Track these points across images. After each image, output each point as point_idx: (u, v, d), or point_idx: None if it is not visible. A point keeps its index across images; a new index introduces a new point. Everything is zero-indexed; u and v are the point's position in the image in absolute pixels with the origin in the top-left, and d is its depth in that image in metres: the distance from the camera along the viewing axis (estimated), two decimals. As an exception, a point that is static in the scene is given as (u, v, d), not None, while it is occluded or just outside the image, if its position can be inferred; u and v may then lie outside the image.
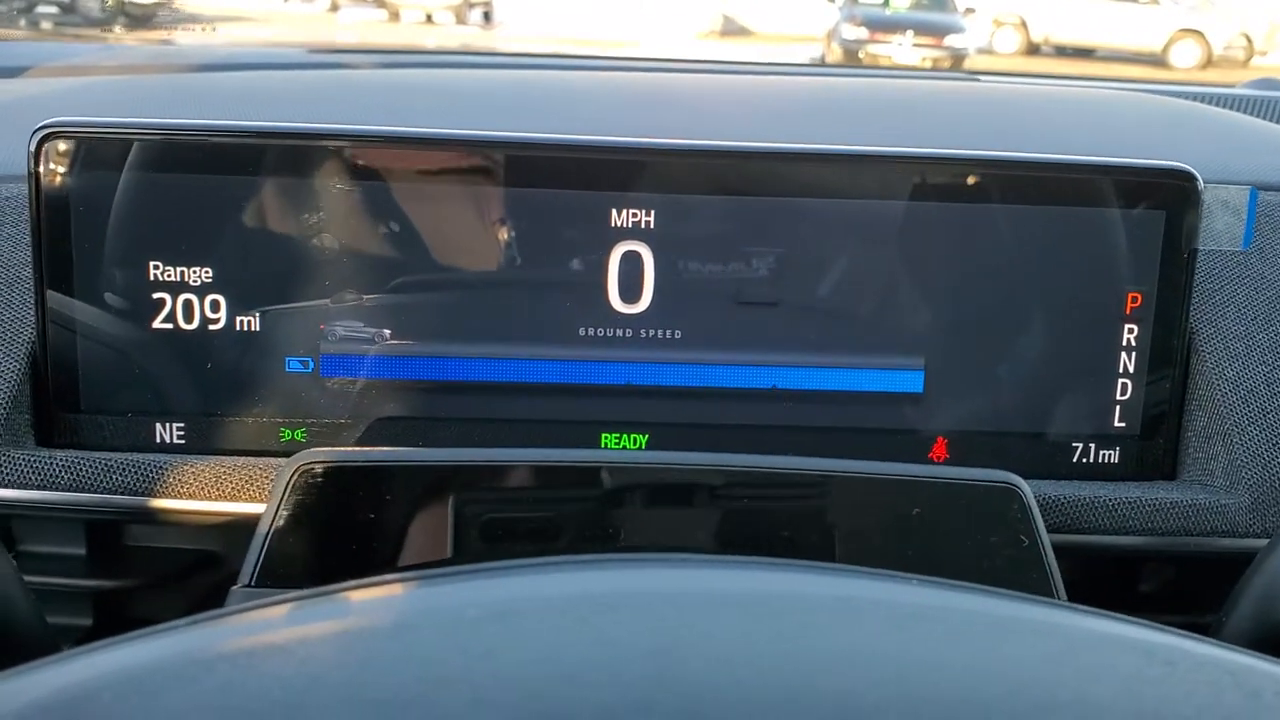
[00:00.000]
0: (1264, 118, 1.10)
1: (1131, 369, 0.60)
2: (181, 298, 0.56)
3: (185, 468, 0.56)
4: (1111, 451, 0.61)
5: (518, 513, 0.52)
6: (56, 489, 0.56)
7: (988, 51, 11.74)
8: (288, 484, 0.49)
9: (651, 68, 1.30)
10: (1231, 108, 1.14)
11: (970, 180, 0.58)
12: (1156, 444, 0.61)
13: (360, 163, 0.56)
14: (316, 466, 0.49)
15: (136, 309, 0.56)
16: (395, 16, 12.82)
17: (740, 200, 0.58)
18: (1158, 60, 11.53)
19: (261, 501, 0.56)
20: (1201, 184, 0.58)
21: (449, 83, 0.93)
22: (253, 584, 0.48)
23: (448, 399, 0.58)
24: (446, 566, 0.34)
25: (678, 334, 0.59)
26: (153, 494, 0.56)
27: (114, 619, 0.61)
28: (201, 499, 0.56)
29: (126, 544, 0.61)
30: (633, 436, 0.59)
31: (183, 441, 0.58)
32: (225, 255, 0.56)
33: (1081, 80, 1.38)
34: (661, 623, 0.29)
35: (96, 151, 0.55)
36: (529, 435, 0.59)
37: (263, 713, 0.26)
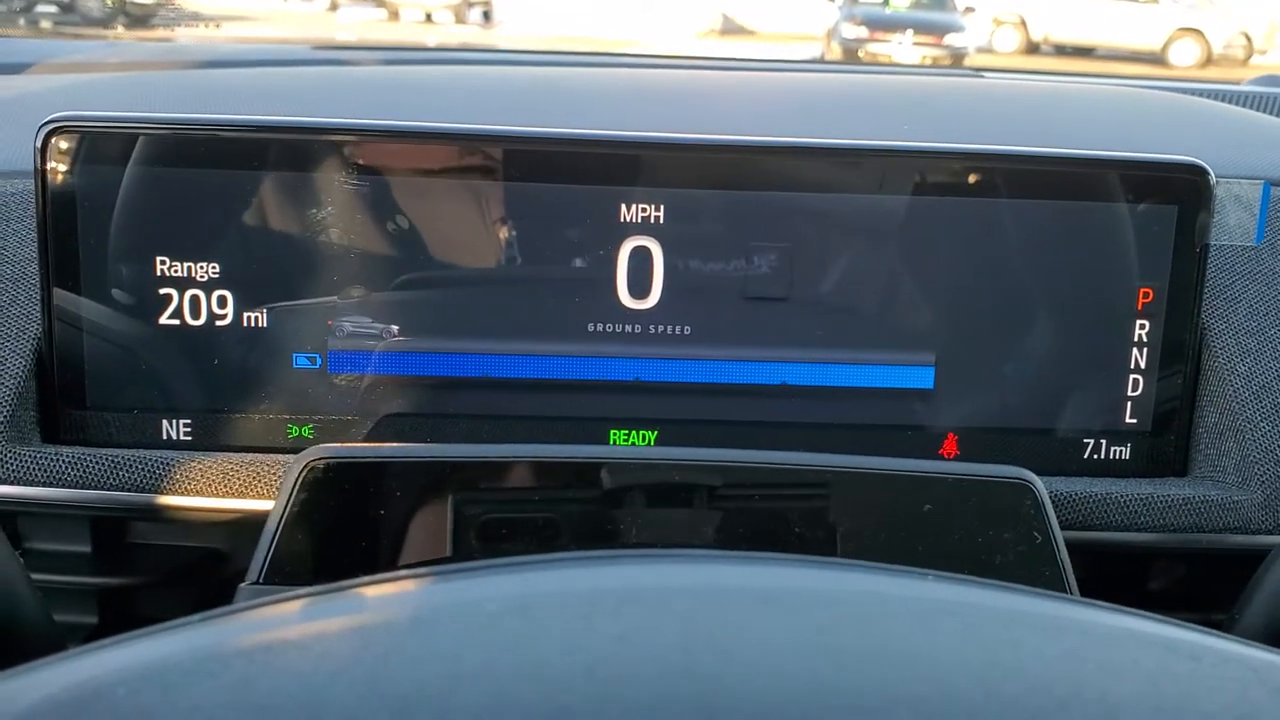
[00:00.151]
0: (1269, 114, 1.09)
1: (1143, 365, 0.60)
2: (188, 293, 0.56)
3: (192, 464, 0.56)
4: (1122, 448, 0.60)
5: (528, 509, 0.51)
6: (62, 486, 0.56)
7: (987, 50, 11.74)
8: (296, 480, 0.48)
9: (653, 64, 1.30)
10: (1237, 104, 1.13)
11: (981, 175, 0.58)
12: (1168, 440, 0.61)
13: (368, 158, 0.56)
14: (325, 462, 0.49)
15: (143, 305, 0.56)
16: (395, 16, 12.81)
17: (750, 195, 0.57)
18: (1157, 59, 11.53)
19: (269, 498, 0.55)
20: (1214, 179, 0.58)
21: (454, 79, 0.93)
22: (260, 581, 0.47)
23: (456, 395, 0.58)
24: (459, 562, 0.33)
25: (687, 330, 0.58)
26: (159, 491, 0.56)
27: (120, 617, 0.61)
28: (208, 496, 0.56)
29: (132, 541, 0.61)
30: (641, 433, 0.59)
31: (189, 438, 0.57)
32: (232, 251, 0.56)
33: (1084, 77, 1.38)
34: (683, 617, 0.29)
35: (103, 146, 0.54)
36: (537, 432, 0.58)
37: (281, 709, 0.26)
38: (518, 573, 0.31)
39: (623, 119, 0.79)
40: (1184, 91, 1.12)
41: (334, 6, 12.07)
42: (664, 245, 0.57)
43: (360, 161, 0.56)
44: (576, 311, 0.58)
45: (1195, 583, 0.63)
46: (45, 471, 0.55)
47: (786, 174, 0.58)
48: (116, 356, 0.56)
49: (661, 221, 0.57)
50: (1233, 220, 0.60)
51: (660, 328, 0.58)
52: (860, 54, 10.08)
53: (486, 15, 12.98)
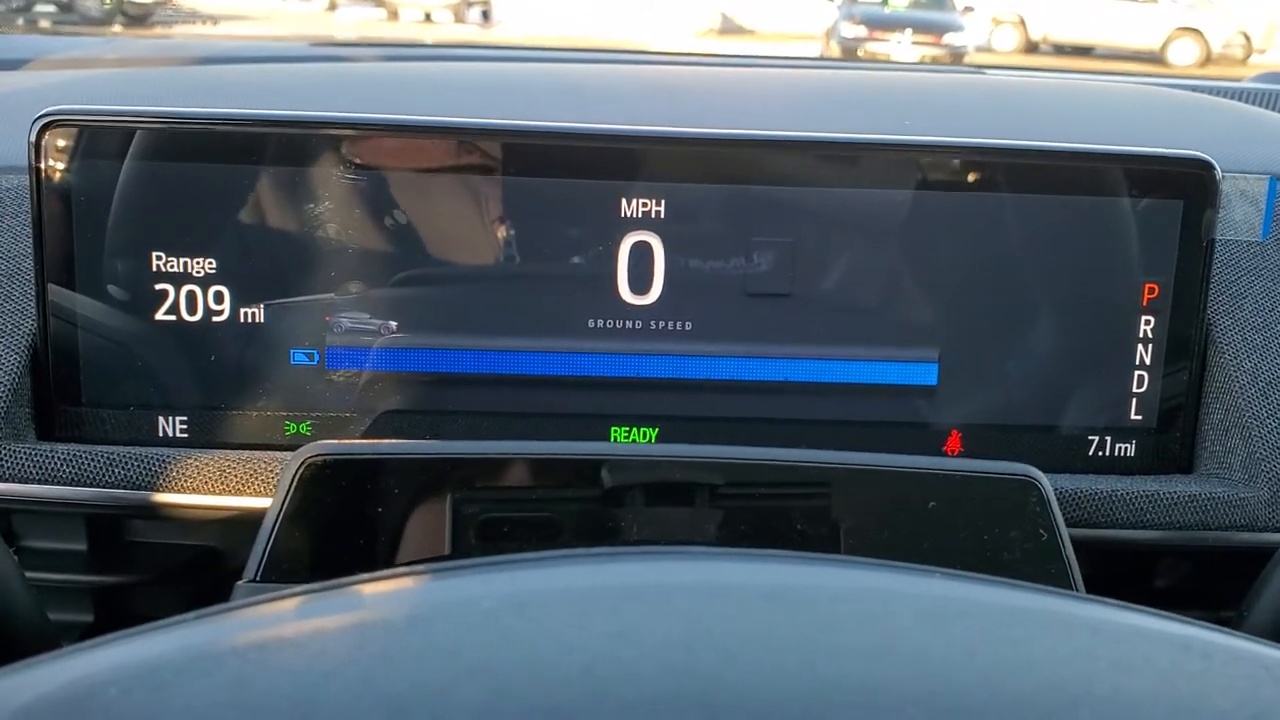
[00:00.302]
0: (1272, 110, 1.09)
1: (1148, 361, 0.59)
2: (185, 289, 0.55)
3: (188, 462, 0.55)
4: (1127, 445, 0.60)
5: (528, 507, 0.51)
6: (58, 483, 0.55)
7: (986, 50, 11.74)
8: (294, 477, 0.48)
9: (654, 61, 1.29)
10: (1239, 101, 1.13)
11: (985, 170, 0.57)
12: (1173, 437, 0.60)
13: (366, 152, 0.55)
14: (323, 459, 0.48)
15: (139, 300, 0.55)
16: (394, 15, 12.81)
17: (752, 190, 0.57)
18: (1156, 58, 11.52)
19: (265, 496, 0.55)
20: (1220, 173, 0.58)
21: (453, 74, 0.92)
22: (258, 579, 0.47)
23: (454, 392, 0.58)
24: (457, 560, 0.33)
25: (688, 326, 0.58)
26: (155, 488, 0.55)
27: (115, 615, 0.60)
28: (205, 493, 0.56)
29: (128, 540, 0.60)
30: (642, 430, 0.59)
31: (186, 435, 0.57)
32: (229, 246, 0.55)
33: (1086, 76, 1.37)
34: (683, 615, 0.28)
35: (98, 140, 0.54)
36: (537, 428, 0.58)
37: (275, 708, 0.25)
38: (515, 570, 0.31)
39: (623, 114, 0.78)
40: (1186, 89, 1.11)
41: (333, 6, 12.06)
42: (665, 241, 0.57)
43: (358, 156, 0.55)
44: (577, 307, 0.57)
45: (1201, 580, 0.62)
46: (40, 469, 0.55)
47: (789, 169, 0.57)
48: (112, 353, 0.56)
49: (662, 217, 0.57)
50: (1239, 215, 0.59)
51: (661, 324, 0.57)
52: (859, 53, 10.08)
53: (485, 15, 12.97)
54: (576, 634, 0.27)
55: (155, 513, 0.56)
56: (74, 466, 0.55)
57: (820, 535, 0.51)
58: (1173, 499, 0.58)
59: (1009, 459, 0.53)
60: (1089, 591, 0.49)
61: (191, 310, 0.56)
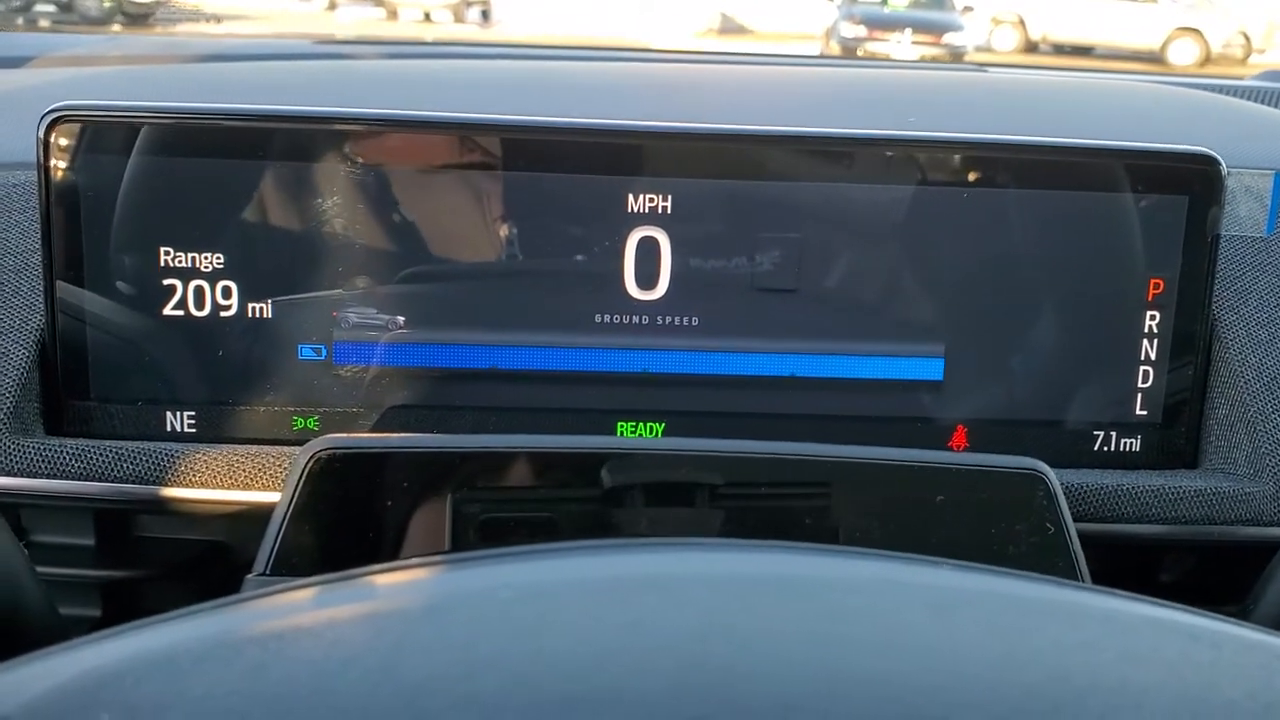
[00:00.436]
0: (1274, 108, 1.09)
1: (1153, 356, 0.59)
2: (193, 284, 0.56)
3: (196, 456, 0.56)
4: (1133, 440, 0.60)
5: (537, 500, 0.51)
6: (66, 478, 0.55)
7: (985, 49, 11.74)
8: (303, 471, 0.48)
9: (655, 59, 1.29)
10: (1241, 98, 1.13)
11: (991, 166, 0.58)
12: (1178, 432, 0.60)
13: (374, 148, 0.55)
14: (332, 453, 0.48)
15: (147, 296, 0.55)
16: (393, 15, 12.80)
17: (759, 185, 0.57)
18: (1155, 58, 11.52)
19: (273, 490, 0.55)
20: (1225, 169, 0.58)
21: (458, 72, 0.92)
22: (268, 572, 0.47)
23: (461, 387, 0.58)
24: (470, 551, 0.33)
25: (695, 321, 0.58)
26: (163, 483, 0.55)
27: (123, 610, 0.60)
28: (213, 488, 0.56)
29: (136, 534, 0.60)
30: (649, 425, 0.59)
31: (193, 430, 0.57)
32: (238, 241, 0.55)
33: (1088, 74, 1.37)
34: (697, 605, 0.28)
35: (106, 136, 0.54)
36: (543, 423, 0.58)
37: (293, 696, 0.25)
38: (530, 561, 0.31)
39: (628, 111, 0.78)
40: (1189, 87, 1.12)
41: (332, 6, 12.05)
42: (671, 236, 0.57)
43: (366, 152, 0.55)
44: (583, 303, 0.57)
45: (1206, 575, 0.62)
46: (49, 463, 0.55)
47: (795, 164, 0.57)
48: (120, 348, 0.56)
49: (669, 212, 0.57)
50: (1243, 211, 0.59)
51: (668, 319, 0.58)
52: (859, 53, 10.07)
53: (485, 14, 12.97)
54: (592, 624, 0.27)
55: (163, 507, 0.56)
56: (82, 461, 0.55)
57: (827, 529, 0.51)
58: (1178, 494, 0.58)
59: (1015, 454, 0.53)
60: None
61: (199, 305, 0.56)
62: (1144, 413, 0.60)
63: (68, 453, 0.55)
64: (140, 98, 0.56)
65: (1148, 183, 0.58)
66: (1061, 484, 0.53)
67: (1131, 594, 0.33)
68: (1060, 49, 12.04)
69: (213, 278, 0.56)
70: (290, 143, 0.55)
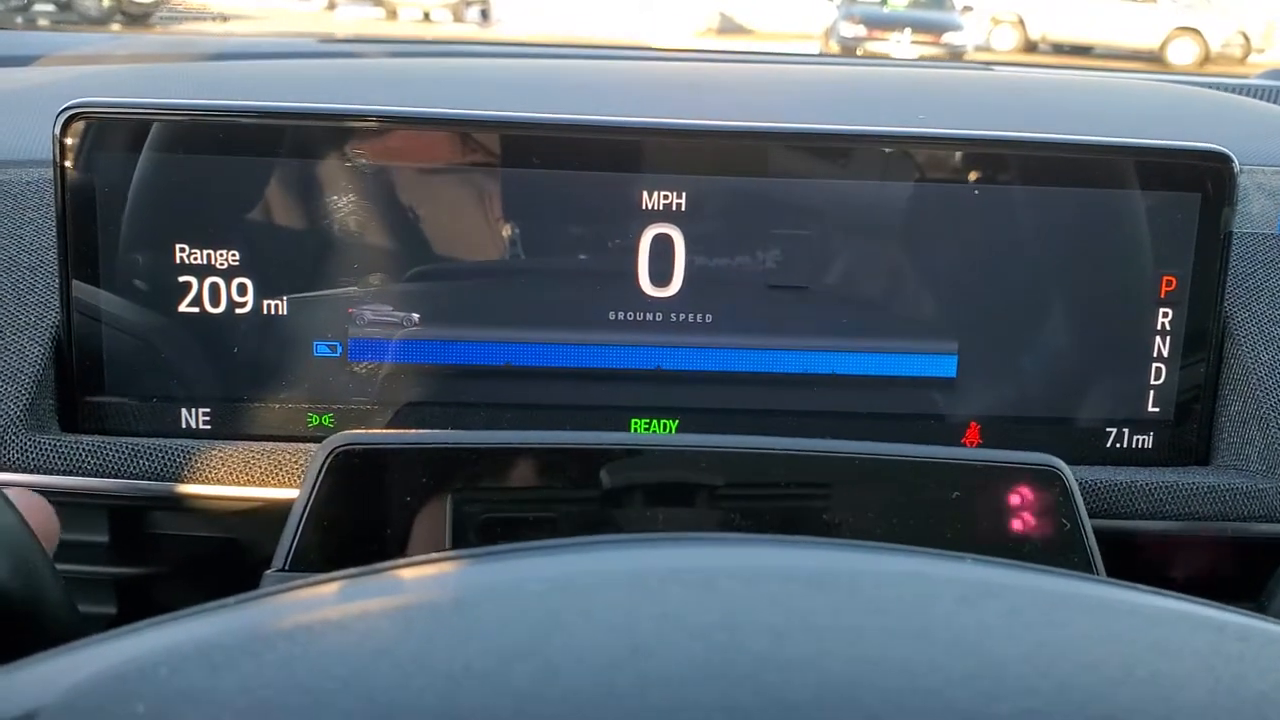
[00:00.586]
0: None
1: (1165, 353, 0.59)
2: (208, 281, 0.56)
3: (211, 453, 0.56)
4: (1145, 437, 0.60)
5: (555, 496, 0.51)
6: (81, 474, 0.55)
7: (985, 49, 11.74)
8: (322, 467, 0.48)
9: (659, 57, 1.30)
10: (1246, 97, 1.13)
11: (1004, 164, 0.58)
12: (1190, 429, 0.60)
13: (389, 145, 0.55)
14: (351, 449, 0.48)
15: (162, 292, 0.56)
16: (393, 15, 12.79)
17: (772, 183, 0.57)
18: (1155, 58, 11.53)
19: (288, 487, 0.55)
20: (1238, 166, 0.58)
21: (467, 70, 0.92)
22: (286, 568, 0.47)
23: (476, 384, 0.58)
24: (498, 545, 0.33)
25: (708, 318, 0.58)
26: (179, 479, 0.56)
27: (138, 607, 0.60)
28: (228, 484, 0.56)
29: (150, 531, 0.60)
30: (663, 422, 0.59)
31: (209, 427, 0.57)
32: (253, 238, 0.55)
33: (1089, 73, 1.37)
34: (728, 596, 0.28)
35: (122, 133, 0.54)
36: (558, 420, 0.58)
37: (327, 688, 0.25)
38: (558, 554, 0.31)
39: (633, 108, 0.78)
40: (1191, 85, 1.12)
41: (331, 5, 12.03)
42: (685, 233, 0.57)
43: (381, 149, 0.55)
44: (598, 300, 0.57)
45: (1220, 571, 0.63)
46: (64, 460, 0.55)
47: (808, 162, 0.57)
48: (135, 344, 0.56)
49: (683, 208, 0.57)
50: (1256, 208, 0.59)
51: (682, 316, 0.58)
52: (858, 52, 10.08)
53: (484, 14, 12.96)
54: (624, 615, 0.27)
55: (178, 504, 0.56)
56: (97, 458, 0.55)
57: (843, 525, 0.51)
58: (1191, 490, 0.58)
59: (1027, 450, 0.54)
60: (1109, 582, 0.49)
61: (215, 302, 0.56)
62: (1156, 409, 0.60)
63: (83, 449, 0.55)
64: (149, 96, 0.56)
65: (1160, 180, 0.58)
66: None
67: (1155, 589, 0.33)
68: (1059, 48, 12.04)
69: (228, 274, 0.56)
70: (306, 140, 0.55)
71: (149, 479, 0.56)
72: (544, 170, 0.56)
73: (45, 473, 0.55)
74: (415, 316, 0.57)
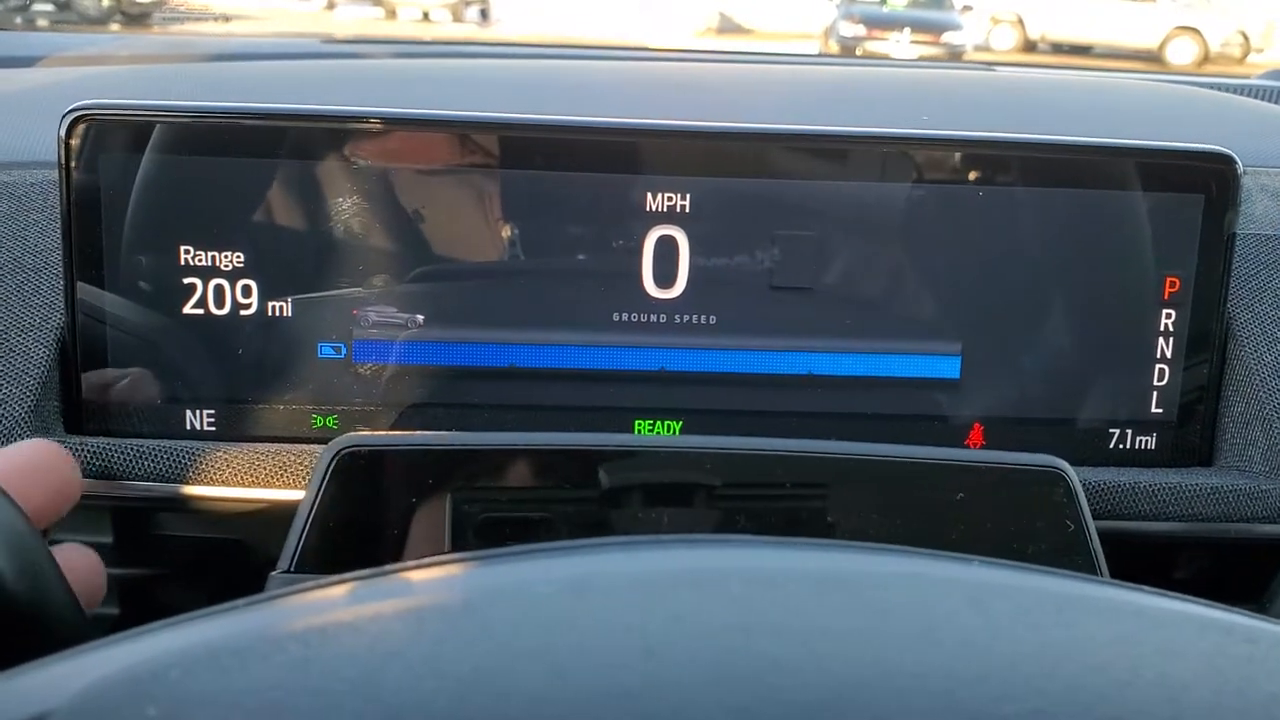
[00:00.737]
0: (1281, 108, 1.09)
1: (1169, 354, 0.60)
2: (213, 283, 0.56)
3: (216, 454, 0.56)
4: (1148, 438, 0.60)
5: (563, 497, 0.51)
6: (85, 476, 0.55)
7: (984, 49, 11.75)
8: (328, 468, 0.48)
9: (660, 58, 1.30)
10: (1247, 97, 1.13)
11: (1007, 164, 0.58)
12: (1193, 430, 0.60)
13: (393, 146, 0.55)
14: (357, 450, 0.49)
15: (167, 294, 0.56)
16: (392, 15, 12.79)
17: (777, 184, 0.57)
18: (1154, 57, 11.54)
19: (293, 488, 0.55)
20: (1241, 167, 0.58)
21: (471, 71, 0.92)
22: (292, 569, 0.47)
23: (480, 385, 0.58)
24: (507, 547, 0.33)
25: (712, 319, 0.58)
26: (183, 481, 0.56)
27: (141, 609, 0.60)
28: (232, 486, 0.56)
29: (154, 533, 0.60)
30: (666, 423, 0.59)
31: (213, 428, 0.57)
32: (258, 239, 0.55)
33: (1090, 73, 1.37)
34: (739, 598, 0.29)
35: (128, 135, 0.54)
36: (561, 421, 0.58)
37: (337, 691, 0.25)
38: (569, 555, 0.31)
39: (633, 109, 0.79)
40: (1191, 86, 1.12)
41: (331, 5, 12.03)
42: (689, 234, 0.57)
43: (385, 150, 0.55)
44: (602, 301, 0.57)
45: (1223, 572, 0.63)
46: (69, 462, 0.55)
47: (812, 163, 0.58)
48: (140, 346, 0.56)
49: (687, 211, 0.57)
50: (1259, 209, 0.59)
51: (686, 317, 0.58)
52: (857, 52, 10.09)
53: (484, 14, 12.96)
54: (635, 617, 0.27)
55: (182, 506, 0.56)
56: (102, 460, 0.55)
57: (846, 527, 0.51)
58: (1194, 491, 0.58)
59: (1031, 452, 0.54)
60: (1113, 583, 0.49)
61: (219, 304, 0.56)
62: (1159, 411, 0.60)
63: (87, 451, 0.55)
64: (152, 97, 0.56)
65: (1163, 181, 0.58)
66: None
67: (1161, 590, 0.33)
68: (1059, 48, 12.05)
69: (233, 276, 0.56)
70: (310, 142, 0.55)
71: (153, 480, 0.56)
72: (548, 172, 0.56)
73: None
74: (420, 318, 0.57)
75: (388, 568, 0.32)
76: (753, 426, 0.58)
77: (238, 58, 1.06)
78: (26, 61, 1.00)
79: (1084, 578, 0.34)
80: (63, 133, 0.53)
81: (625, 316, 0.58)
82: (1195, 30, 11.93)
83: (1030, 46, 12.26)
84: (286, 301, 0.56)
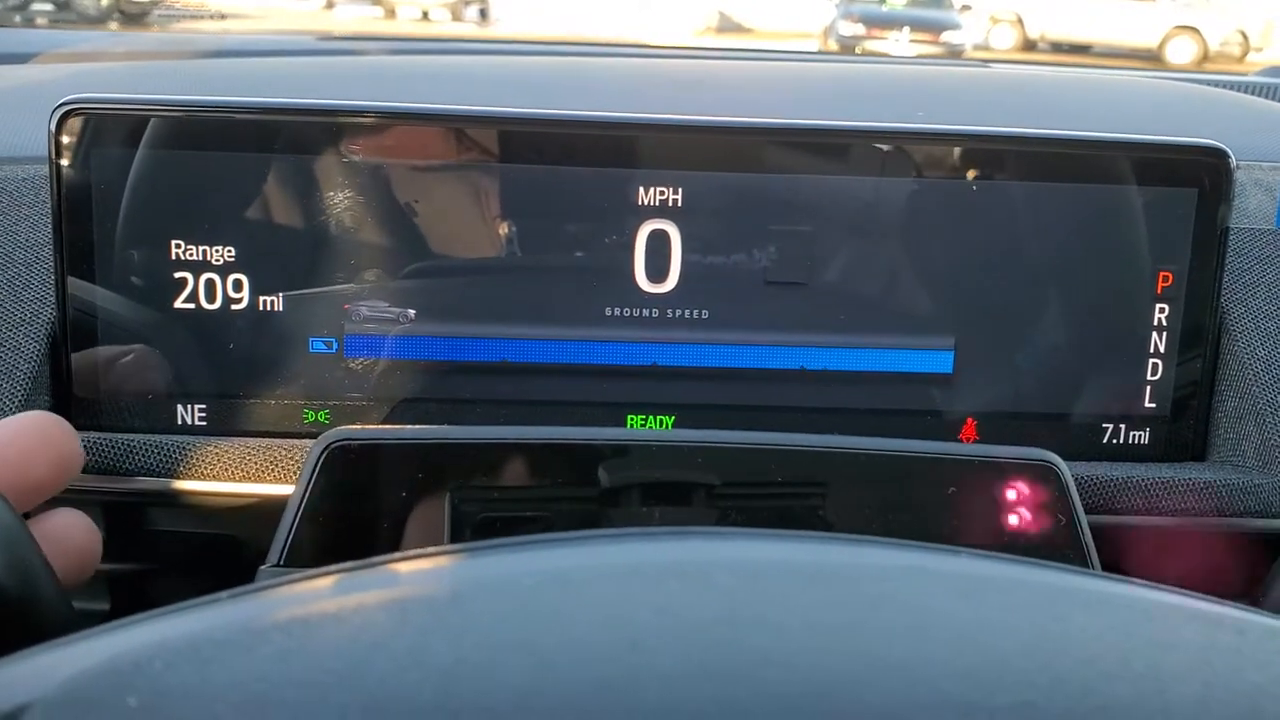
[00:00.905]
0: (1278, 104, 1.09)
1: (1162, 349, 0.59)
2: (204, 277, 0.55)
3: (207, 449, 0.56)
4: (1141, 433, 0.60)
5: (553, 491, 0.51)
6: None
7: (983, 48, 11.74)
8: (317, 462, 0.48)
9: (659, 55, 1.30)
10: (1245, 94, 1.13)
11: (1001, 159, 0.58)
12: (1186, 424, 0.60)
13: (385, 141, 0.55)
14: (347, 444, 0.48)
15: (158, 289, 0.55)
16: (391, 14, 12.77)
17: (769, 178, 0.57)
18: (1153, 56, 11.53)
19: (284, 483, 0.55)
20: (1234, 162, 0.58)
21: (466, 66, 0.92)
22: (281, 563, 0.47)
23: (472, 380, 0.58)
24: (492, 539, 0.33)
25: (705, 314, 0.58)
26: (174, 476, 0.55)
27: (131, 603, 0.60)
28: (223, 480, 0.56)
29: (144, 528, 0.60)
30: (659, 418, 0.59)
31: (204, 423, 0.57)
32: (249, 234, 0.55)
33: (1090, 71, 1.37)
34: (726, 590, 0.28)
35: (119, 129, 0.54)
36: (554, 416, 0.58)
37: (322, 682, 0.25)
38: (555, 548, 0.31)
39: (632, 105, 0.78)
40: (1190, 83, 1.12)
41: (330, 4, 12.01)
42: (682, 229, 0.57)
43: (377, 145, 0.55)
44: (594, 296, 0.57)
45: (1215, 567, 0.63)
46: (60, 456, 0.55)
47: (806, 157, 0.57)
48: (131, 341, 0.56)
49: (680, 204, 0.57)
50: (1253, 204, 0.59)
51: (678, 312, 0.58)
52: (857, 50, 10.08)
53: (483, 13, 12.95)
54: (620, 609, 0.27)
55: (174, 500, 0.56)
56: (93, 455, 0.55)
57: (839, 520, 0.51)
58: (1187, 486, 0.58)
59: (1024, 446, 0.54)
60: (1105, 578, 0.49)
61: (211, 298, 0.56)
62: (1153, 405, 0.60)
63: (79, 446, 0.55)
64: (150, 92, 0.56)
65: (1157, 176, 0.58)
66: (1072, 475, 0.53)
67: (1151, 583, 0.33)
68: (1058, 47, 12.05)
69: (224, 271, 0.55)
70: (302, 136, 0.55)
71: (144, 475, 0.55)
72: (540, 166, 0.56)
73: None
74: (411, 313, 0.57)
75: (372, 560, 0.32)
76: (746, 421, 0.58)
77: (234, 54, 1.06)
78: (22, 58, 1.00)
79: (1074, 570, 0.33)
80: (53, 127, 0.53)
81: (617, 311, 0.57)
82: (1194, 29, 11.93)
83: (1030, 46, 12.25)
84: (278, 296, 0.56)
